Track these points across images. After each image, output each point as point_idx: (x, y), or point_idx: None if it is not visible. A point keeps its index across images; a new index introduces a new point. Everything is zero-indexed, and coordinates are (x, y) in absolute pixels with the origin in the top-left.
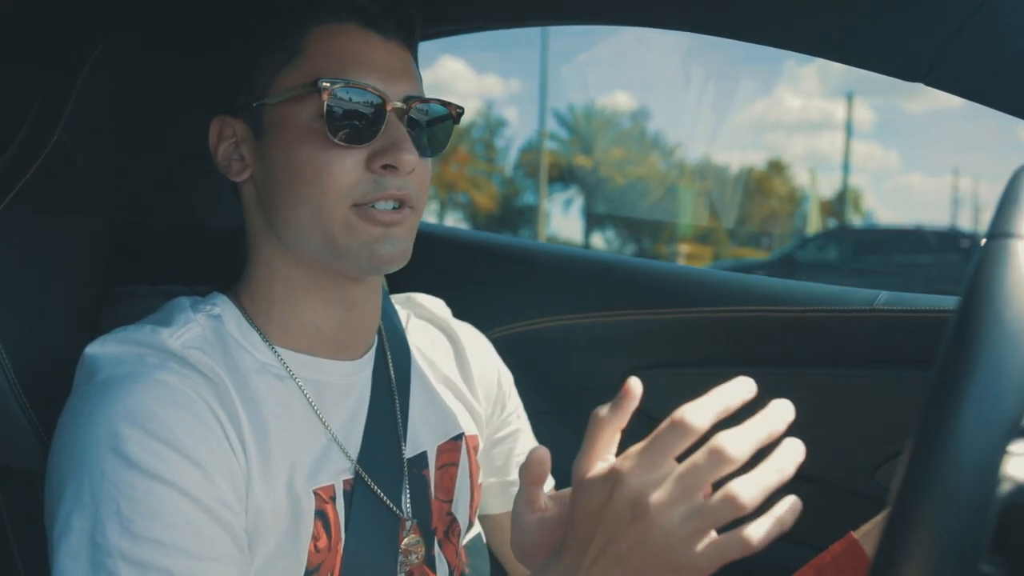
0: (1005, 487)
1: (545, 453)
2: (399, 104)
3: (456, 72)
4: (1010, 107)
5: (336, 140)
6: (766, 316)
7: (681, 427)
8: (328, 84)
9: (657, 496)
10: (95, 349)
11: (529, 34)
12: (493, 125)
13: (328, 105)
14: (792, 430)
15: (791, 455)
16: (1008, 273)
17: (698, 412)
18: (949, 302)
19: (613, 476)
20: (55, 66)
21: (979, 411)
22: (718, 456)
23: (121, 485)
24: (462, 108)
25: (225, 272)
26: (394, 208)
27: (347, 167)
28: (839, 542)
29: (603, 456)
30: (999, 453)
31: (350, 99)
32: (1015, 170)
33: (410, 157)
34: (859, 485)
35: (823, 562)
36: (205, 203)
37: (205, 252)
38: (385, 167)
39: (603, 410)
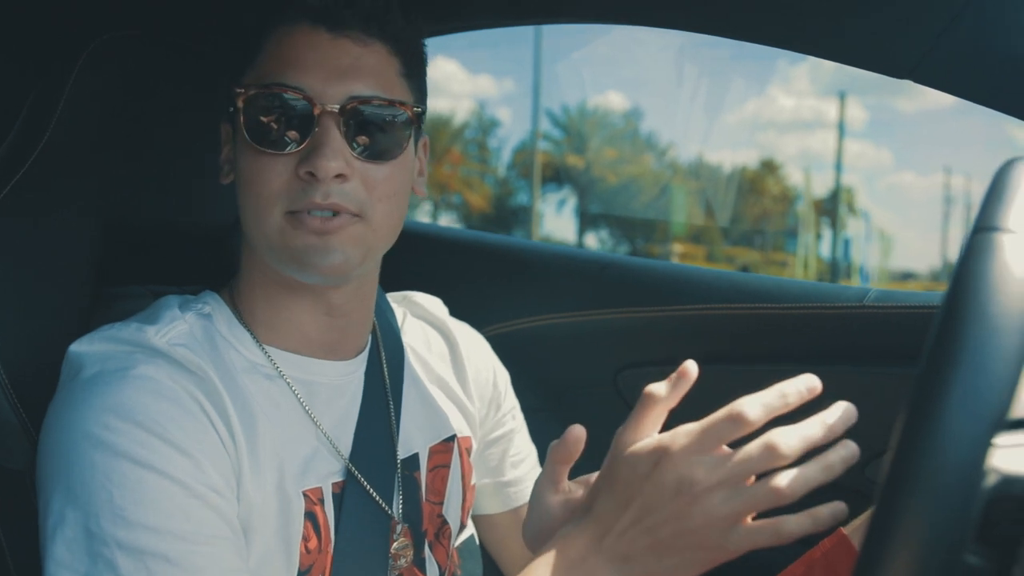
0: (990, 479)
1: (582, 431)
2: (333, 107)
3: (449, 72)
4: (997, 103)
5: (258, 146)
6: (757, 313)
7: (738, 420)
8: (241, 91)
9: (703, 476)
10: (80, 347)
11: (522, 33)
12: (486, 125)
13: (244, 112)
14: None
15: (843, 456)
16: (992, 267)
17: (757, 407)
18: (939, 298)
19: (660, 451)
20: (47, 65)
21: (964, 404)
22: (771, 452)
23: (112, 475)
24: (421, 108)
25: (215, 271)
26: (331, 215)
27: (277, 172)
28: (829, 537)
29: (648, 432)
30: (984, 445)
31: (272, 104)
32: (1000, 166)
33: (331, 164)
34: (849, 480)
35: (813, 557)
36: (196, 202)
37: (196, 252)
38: (309, 173)
39: (659, 388)
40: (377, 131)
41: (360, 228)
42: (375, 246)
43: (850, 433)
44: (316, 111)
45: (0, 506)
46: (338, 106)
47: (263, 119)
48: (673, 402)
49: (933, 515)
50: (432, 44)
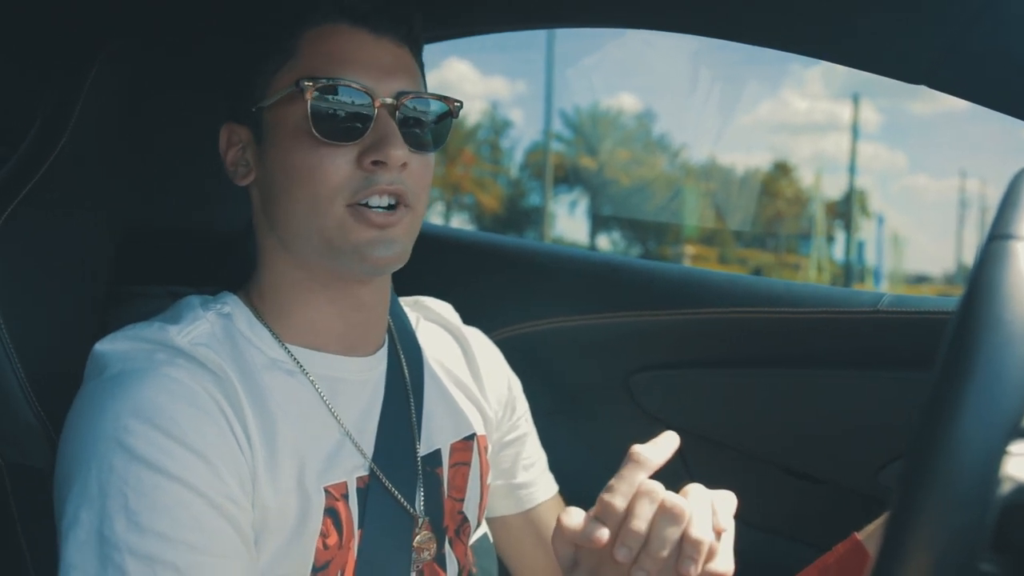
0: (1005, 487)
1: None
2: (388, 100)
3: (462, 74)
4: (1013, 109)
5: (323, 139)
6: (770, 317)
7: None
8: (310, 83)
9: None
10: (104, 346)
11: (535, 36)
12: (499, 126)
13: (312, 104)
14: (797, 431)
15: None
16: (1008, 274)
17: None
18: (952, 303)
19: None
20: (63, 69)
21: (979, 412)
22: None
23: (129, 479)
24: (460, 102)
25: (230, 273)
26: (389, 207)
27: (337, 165)
28: (843, 543)
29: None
30: (999, 453)
31: (335, 97)
32: (1015, 172)
33: (398, 152)
34: (863, 486)
35: (827, 563)
36: (211, 205)
37: (211, 253)
38: (375, 163)
39: (645, 452)
40: (424, 123)
41: (411, 218)
42: (416, 235)
43: (863, 439)
44: (376, 104)
45: (20, 504)
46: (392, 99)
47: (326, 111)
48: (657, 466)
49: (948, 522)
50: (445, 46)
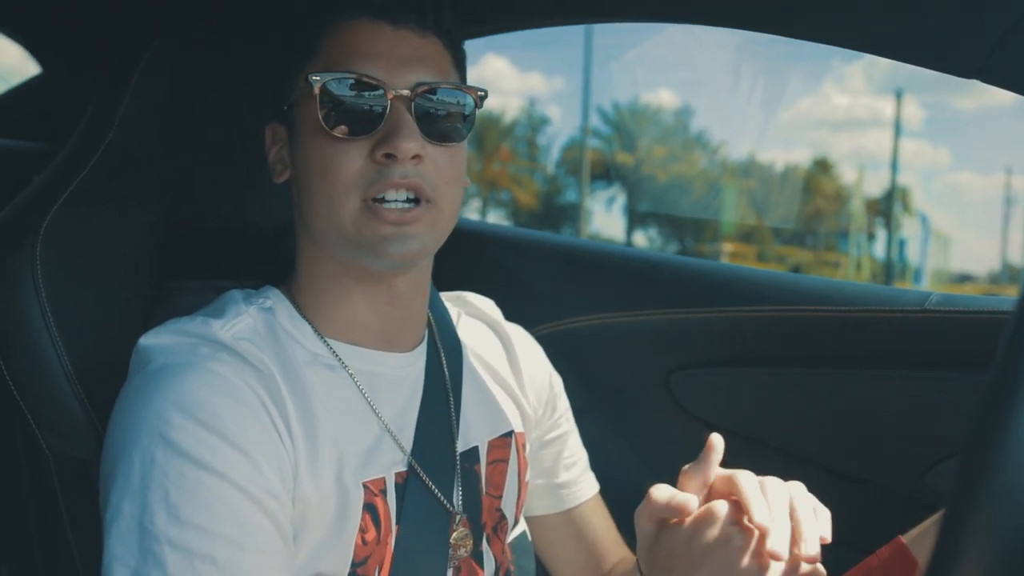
0: None
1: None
2: (403, 92)
3: (499, 70)
4: None
5: (334, 133)
6: (814, 316)
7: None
8: (317, 78)
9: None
10: (149, 339)
11: (573, 32)
12: (536, 123)
13: (320, 99)
14: (840, 431)
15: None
16: None
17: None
18: (1002, 302)
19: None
20: (108, 69)
21: None
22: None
23: (170, 472)
24: (484, 91)
25: (272, 268)
26: (406, 202)
27: (351, 159)
28: (887, 546)
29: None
30: None
31: (345, 91)
32: None
33: (409, 144)
34: (908, 488)
35: (870, 566)
36: (253, 201)
37: (253, 249)
38: (387, 156)
39: (688, 467)
40: (444, 114)
41: (434, 214)
42: (445, 231)
43: (908, 440)
44: (389, 96)
45: (66, 495)
46: (408, 91)
47: (338, 106)
48: (707, 477)
49: (1006, 525)
50: (482, 42)
